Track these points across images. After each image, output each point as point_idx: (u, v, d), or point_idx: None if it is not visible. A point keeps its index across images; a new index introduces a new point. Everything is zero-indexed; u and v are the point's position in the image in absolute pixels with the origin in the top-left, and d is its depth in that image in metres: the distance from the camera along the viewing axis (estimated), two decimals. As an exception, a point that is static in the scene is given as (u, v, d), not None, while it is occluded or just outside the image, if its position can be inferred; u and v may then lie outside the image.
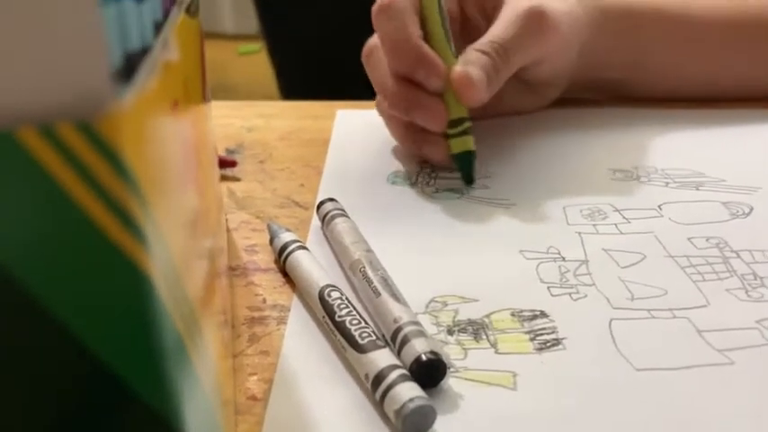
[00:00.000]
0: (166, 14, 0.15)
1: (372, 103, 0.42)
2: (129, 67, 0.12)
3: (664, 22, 0.44)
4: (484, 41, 0.37)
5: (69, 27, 0.11)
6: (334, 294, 0.27)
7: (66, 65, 0.11)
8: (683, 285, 0.30)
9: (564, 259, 0.31)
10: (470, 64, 0.36)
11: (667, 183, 0.38)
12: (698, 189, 0.37)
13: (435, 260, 0.32)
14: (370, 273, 0.28)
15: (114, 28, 0.12)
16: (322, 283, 0.28)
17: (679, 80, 0.46)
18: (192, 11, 0.18)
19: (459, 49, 0.38)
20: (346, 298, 0.27)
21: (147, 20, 0.14)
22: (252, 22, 1.95)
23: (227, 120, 0.46)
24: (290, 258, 0.30)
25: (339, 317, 0.26)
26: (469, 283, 0.30)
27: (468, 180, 0.38)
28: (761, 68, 0.46)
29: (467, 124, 0.37)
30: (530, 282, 0.30)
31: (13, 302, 0.11)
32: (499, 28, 0.38)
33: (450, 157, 0.38)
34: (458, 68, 0.36)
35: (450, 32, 0.38)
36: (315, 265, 0.29)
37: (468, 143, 0.38)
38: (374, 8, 0.37)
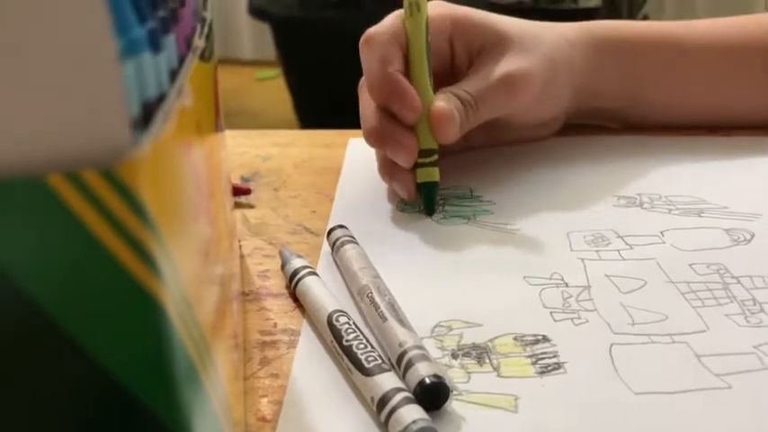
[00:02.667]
0: (182, 61, 0.17)
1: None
2: (146, 115, 0.14)
3: (661, 50, 0.45)
4: (458, 88, 0.39)
5: (92, 82, 0.12)
6: (342, 319, 0.28)
7: (90, 117, 0.12)
8: (682, 311, 0.30)
9: (567, 285, 0.32)
10: (448, 102, 0.37)
11: (670, 210, 0.39)
12: (700, 216, 0.38)
13: (441, 286, 0.33)
14: (377, 298, 0.29)
15: (133, 80, 0.13)
16: (330, 309, 0.29)
17: (678, 108, 0.47)
18: (206, 56, 0.19)
19: (443, 86, 0.39)
20: (354, 323, 0.28)
21: (163, 69, 0.15)
22: (270, 49, 1.99)
23: (243, 148, 0.48)
24: (300, 284, 0.31)
25: (347, 341, 0.27)
26: (474, 309, 0.31)
27: (429, 210, 0.39)
28: (759, 96, 0.46)
29: (435, 156, 0.39)
30: (533, 307, 0.31)
31: (41, 330, 0.13)
32: (473, 81, 0.39)
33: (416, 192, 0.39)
34: (439, 104, 0.37)
35: (431, 67, 0.39)
36: (324, 290, 0.30)
37: (434, 174, 0.39)
38: (361, 40, 0.39)
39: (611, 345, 0.28)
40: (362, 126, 0.40)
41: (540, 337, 0.29)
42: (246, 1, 1.96)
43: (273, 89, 2.56)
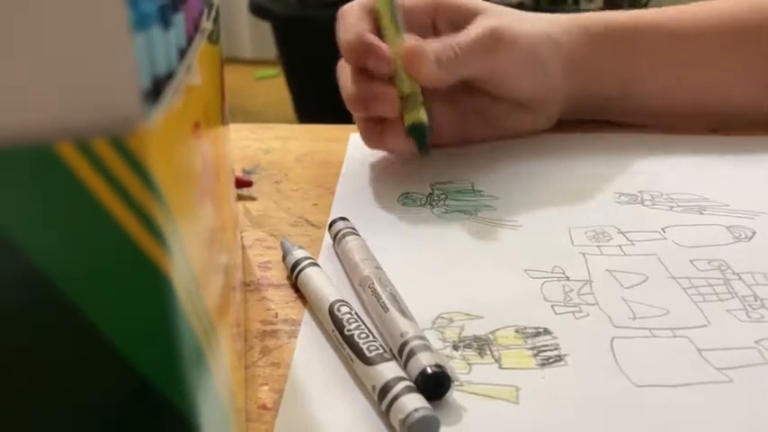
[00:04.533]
0: (190, 41, 0.17)
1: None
2: (156, 90, 0.14)
3: (654, 35, 0.46)
4: (439, 40, 0.40)
5: (104, 53, 0.12)
6: (344, 309, 0.28)
7: (102, 87, 0.12)
8: (684, 306, 0.30)
9: (568, 279, 0.32)
10: (417, 41, 0.39)
11: (672, 207, 0.39)
12: (701, 213, 0.38)
13: (443, 278, 0.33)
14: (378, 289, 0.29)
15: (144, 54, 0.13)
16: (332, 299, 0.29)
17: (673, 94, 0.47)
18: (213, 38, 0.19)
19: None
20: (355, 313, 0.28)
21: (173, 46, 0.15)
22: (270, 47, 1.99)
23: (246, 142, 0.48)
24: (301, 274, 0.31)
25: (348, 330, 0.27)
26: (475, 301, 0.31)
27: (423, 150, 0.40)
28: (755, 81, 0.46)
29: (418, 98, 0.40)
30: (534, 300, 0.31)
31: (47, 301, 0.13)
32: (455, 36, 0.41)
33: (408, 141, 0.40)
34: (410, 42, 0.39)
35: (402, 30, 0.40)
36: (325, 281, 0.30)
37: (419, 115, 0.39)
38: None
39: (613, 338, 0.28)
40: (343, 95, 0.41)
41: (542, 330, 0.29)
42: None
43: (273, 88, 2.56)
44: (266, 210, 0.39)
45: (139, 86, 0.12)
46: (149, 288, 0.13)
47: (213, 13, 0.20)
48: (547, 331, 0.29)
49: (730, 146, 0.46)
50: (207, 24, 0.19)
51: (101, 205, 0.12)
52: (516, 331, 0.29)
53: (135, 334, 0.13)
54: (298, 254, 0.32)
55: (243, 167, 0.44)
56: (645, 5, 1.59)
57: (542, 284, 0.32)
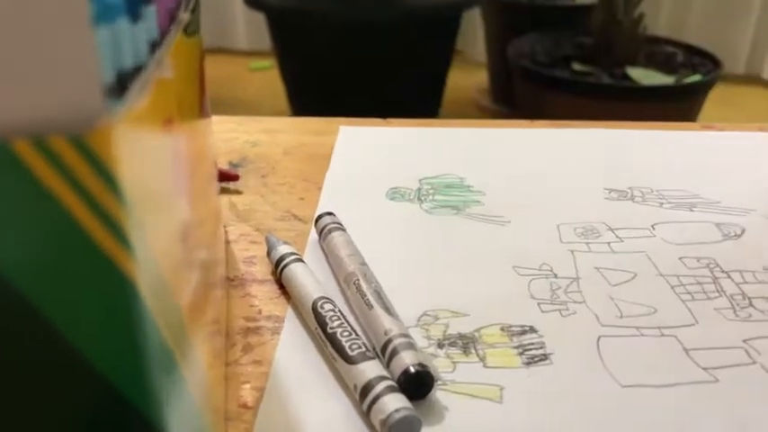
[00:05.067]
0: (164, 34, 0.16)
1: (374, 120, 0.43)
2: (121, 84, 0.13)
3: None
4: None
5: (62, 45, 0.11)
6: (327, 306, 0.28)
7: (60, 81, 0.11)
8: (672, 304, 0.30)
9: (556, 276, 0.32)
10: None
11: (662, 203, 0.38)
12: (692, 210, 0.38)
13: (429, 275, 0.32)
14: (363, 285, 0.29)
15: (107, 47, 0.13)
16: (315, 295, 0.28)
17: None
18: (190, 30, 0.18)
19: None
20: (339, 310, 0.28)
21: (142, 39, 0.15)
22: (264, 39, 1.97)
23: (233, 134, 0.47)
24: (285, 270, 0.31)
25: (331, 328, 0.27)
26: (461, 298, 0.30)
27: None
28: None
29: None
30: (521, 298, 0.30)
31: (8, 306, 0.12)
32: None
33: None
34: None
35: None
36: (310, 277, 0.30)
37: None
38: None
39: (599, 337, 0.28)
40: None
41: (528, 328, 0.29)
42: (242, -10, 1.94)
43: (268, 79, 2.54)
44: (252, 204, 0.39)
45: (101, 81, 0.12)
46: (112, 290, 0.12)
47: (191, 4, 0.20)
48: (533, 329, 0.28)
49: (723, 142, 0.45)
50: (184, 16, 0.18)
51: (60, 205, 0.12)
52: (502, 329, 0.29)
53: (97, 337, 0.13)
54: (282, 249, 0.32)
55: (230, 160, 0.43)
56: (638, 1, 1.59)
57: (530, 282, 0.32)
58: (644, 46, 1.65)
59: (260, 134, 0.47)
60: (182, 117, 0.17)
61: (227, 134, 0.47)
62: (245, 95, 2.54)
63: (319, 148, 0.45)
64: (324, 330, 0.27)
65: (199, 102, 0.20)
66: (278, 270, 0.31)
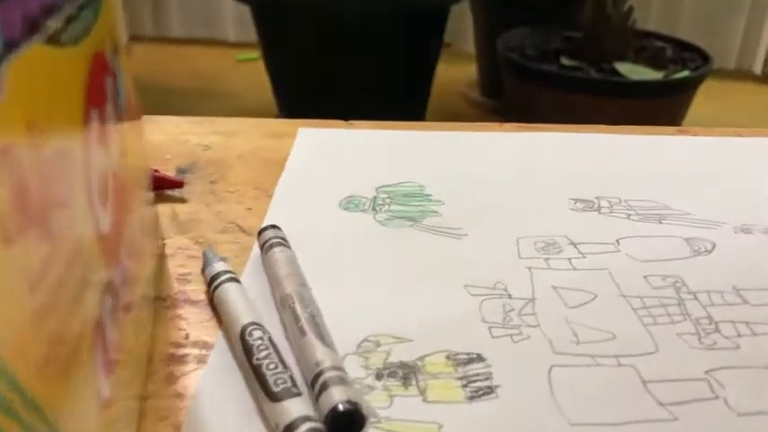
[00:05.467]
0: (9, 48, 0.14)
1: (336, 122, 0.41)
2: None
3: None
4: None
5: None
6: (256, 334, 0.25)
7: None
8: (632, 329, 0.28)
9: (510, 297, 0.30)
10: None
11: (629, 215, 0.36)
12: (661, 222, 0.35)
13: (375, 294, 0.30)
14: (298, 309, 0.27)
15: None
16: (245, 321, 0.26)
17: None
18: (63, 40, 0.16)
19: None
20: (269, 338, 0.25)
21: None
22: (252, 30, 1.94)
23: (186, 136, 0.45)
24: (218, 291, 0.28)
25: (257, 359, 0.24)
26: (407, 321, 0.28)
27: None
28: None
29: None
30: (471, 321, 0.28)
31: None
32: None
33: None
34: None
35: None
36: (242, 299, 0.28)
37: None
38: None
39: (551, 366, 0.26)
40: None
41: (475, 356, 0.26)
42: (226, -20, 1.91)
43: (255, 71, 2.51)
44: (196, 213, 0.36)
45: None
46: None
47: (72, 9, 0.17)
48: (480, 358, 0.26)
49: (697, 148, 0.43)
50: (54, 23, 0.16)
51: None
52: (447, 357, 0.26)
53: None
54: (217, 266, 0.30)
55: (178, 165, 0.41)
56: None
57: (482, 303, 0.29)
58: (633, 40, 1.63)
59: (214, 136, 0.45)
60: (35, 140, 0.15)
61: (181, 136, 0.45)
62: (232, 88, 2.51)
63: (276, 153, 0.43)
64: (250, 361, 0.25)
65: (81, 113, 0.18)
66: (210, 290, 0.29)
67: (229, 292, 0.28)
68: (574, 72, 1.54)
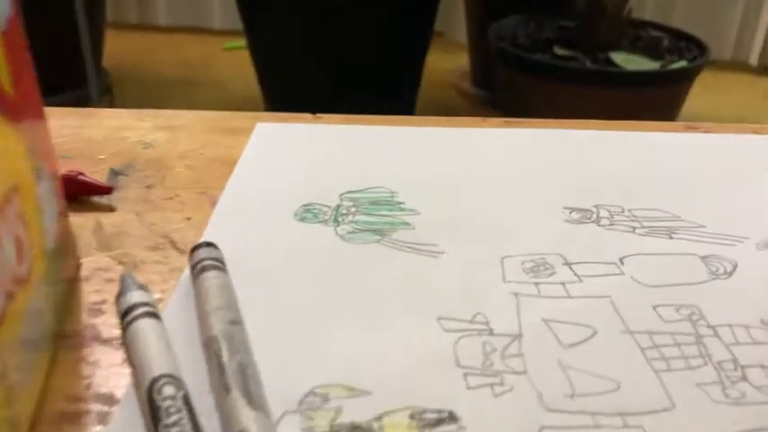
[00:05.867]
0: None
1: (302, 116, 0.35)
2: None
3: None
4: None
5: None
6: (167, 391, 0.20)
7: None
8: (641, 377, 0.23)
9: (492, 332, 0.24)
10: None
11: (634, 228, 0.31)
12: (671, 237, 0.30)
13: (329, 330, 0.25)
14: (224, 357, 0.21)
15: None
16: (156, 372, 0.21)
17: None
18: None
19: None
20: (184, 396, 0.20)
21: None
22: (239, 18, 1.88)
23: (126, 132, 0.39)
24: (129, 329, 0.23)
25: (164, 426, 0.19)
26: (364, 368, 0.23)
27: None
28: None
29: None
30: (443, 365, 0.23)
31: None
32: None
33: None
34: None
35: None
36: (157, 342, 0.22)
37: None
38: None
39: (541, 428, 0.21)
40: None
41: (446, 415, 0.21)
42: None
43: (242, 59, 2.44)
44: (124, 225, 0.31)
45: None
46: None
47: None
48: (452, 417, 0.21)
49: (710, 146, 0.38)
50: None
51: None
52: (412, 416, 0.21)
53: None
54: (133, 297, 0.24)
55: (112, 166, 0.36)
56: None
57: (457, 341, 0.24)
58: (628, 30, 1.57)
59: (158, 132, 0.39)
60: None
61: (120, 132, 0.39)
62: (219, 76, 2.44)
63: (228, 151, 0.37)
64: (155, 428, 0.19)
65: None
66: (122, 326, 0.24)
67: (142, 331, 0.23)
68: (567, 62, 1.48)
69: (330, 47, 1.59)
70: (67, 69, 1.91)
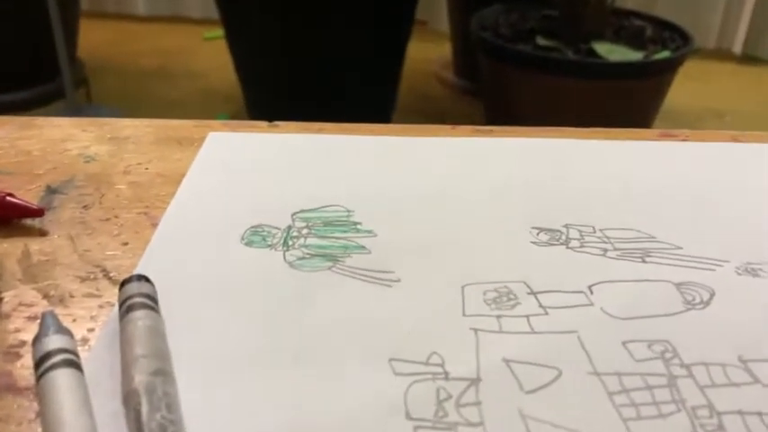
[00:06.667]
0: None
1: (257, 124, 0.33)
2: None
3: None
4: None
5: None
6: (73, 460, 0.18)
7: None
8: (608, 428, 0.21)
9: (447, 376, 0.22)
10: None
11: (605, 250, 0.29)
12: (644, 261, 0.28)
13: (268, 377, 0.22)
14: (144, 414, 0.19)
15: None
16: (63, 436, 0.18)
17: None
18: None
19: None
20: (92, 465, 0.18)
21: None
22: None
23: (66, 144, 0.37)
24: (42, 381, 0.21)
25: (66, 505, 0.17)
26: (303, 424, 0.21)
27: None
28: None
29: None
30: (390, 419, 0.21)
31: None
32: None
33: None
34: None
35: None
36: (72, 397, 0.20)
37: None
38: None
39: (496, 493, 0.19)
40: None
41: (391, 478, 0.19)
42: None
43: (222, 50, 2.40)
44: (54, 253, 0.28)
45: None
46: None
47: None
48: (397, 481, 0.19)
49: (688, 157, 0.36)
50: None
51: None
52: (352, 480, 0.19)
53: None
54: (51, 342, 0.22)
55: (49, 183, 0.33)
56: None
57: (409, 387, 0.22)
58: (612, 19, 1.55)
59: (102, 144, 0.37)
60: None
61: (60, 144, 0.37)
62: (198, 67, 2.40)
63: (176, 165, 0.35)
64: (57, 506, 0.17)
65: None
66: (36, 376, 0.21)
67: (55, 384, 0.20)
68: (550, 53, 1.46)
69: (309, 38, 1.55)
70: (40, 61, 1.87)
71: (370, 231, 0.30)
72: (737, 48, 2.17)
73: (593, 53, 1.46)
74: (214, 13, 2.33)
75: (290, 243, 0.29)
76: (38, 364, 0.21)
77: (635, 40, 1.51)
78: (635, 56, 1.46)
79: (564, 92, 1.46)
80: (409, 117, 1.84)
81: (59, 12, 1.64)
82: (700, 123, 1.77)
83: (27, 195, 0.32)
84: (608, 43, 1.49)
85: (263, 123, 0.39)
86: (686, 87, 1.74)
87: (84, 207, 0.31)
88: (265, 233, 0.30)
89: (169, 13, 2.71)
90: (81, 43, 2.12)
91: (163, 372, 0.21)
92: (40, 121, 0.39)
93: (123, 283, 0.24)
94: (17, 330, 0.24)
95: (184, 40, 2.55)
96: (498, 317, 0.25)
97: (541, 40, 1.50)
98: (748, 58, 2.17)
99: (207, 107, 2.01)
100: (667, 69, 1.47)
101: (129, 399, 0.20)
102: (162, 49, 2.47)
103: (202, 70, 2.38)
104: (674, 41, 1.53)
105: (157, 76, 2.27)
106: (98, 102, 1.95)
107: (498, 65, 1.53)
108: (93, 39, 2.33)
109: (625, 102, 1.48)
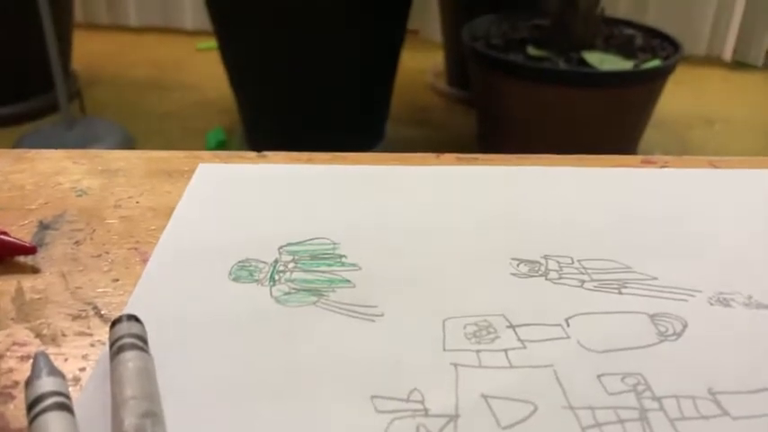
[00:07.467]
0: None
1: (247, 154, 0.34)
2: None
3: None
4: None
5: None
6: (64, 505, 0.19)
7: None
8: (580, 463, 0.22)
9: (426, 413, 0.23)
10: None
11: (583, 282, 0.30)
12: (620, 292, 0.29)
13: (250, 415, 0.23)
14: (133, 459, 0.20)
15: None
16: (55, 482, 0.19)
17: None
18: None
19: None
20: None
21: None
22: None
23: (58, 178, 0.37)
24: (34, 424, 0.21)
25: None
26: (287, 460, 0.21)
27: None
28: None
29: None
30: (371, 456, 0.22)
31: None
32: None
33: None
34: None
35: None
36: (62, 441, 0.21)
37: None
38: None
39: None
40: None
41: None
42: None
43: (215, 61, 2.41)
44: (47, 290, 0.29)
45: None
46: None
47: None
48: None
49: (666, 184, 0.37)
50: None
51: None
52: None
53: None
54: (43, 384, 0.23)
55: (42, 219, 0.34)
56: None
57: (389, 424, 0.23)
58: (602, 28, 1.57)
59: (93, 178, 0.37)
60: None
61: (52, 177, 0.37)
62: (191, 78, 2.41)
63: (167, 198, 0.36)
64: None
65: None
66: (29, 419, 0.22)
67: (47, 428, 0.21)
68: (541, 62, 1.47)
69: (301, 47, 1.56)
70: (34, 74, 1.87)
71: (354, 265, 0.31)
72: (727, 55, 2.19)
73: (583, 62, 1.47)
74: (207, 24, 2.35)
75: (277, 278, 0.30)
76: (30, 406, 0.22)
77: (625, 49, 1.53)
78: (625, 65, 1.47)
79: (555, 101, 1.47)
80: (402, 126, 1.85)
81: (53, 25, 1.65)
82: (689, 132, 1.78)
83: (20, 231, 0.32)
84: (598, 52, 1.50)
85: (252, 154, 0.40)
86: (677, 94, 1.76)
87: (76, 243, 0.32)
88: (252, 268, 0.30)
89: (162, 24, 2.72)
90: (74, 55, 2.12)
91: (152, 413, 0.22)
92: (32, 153, 0.40)
93: (114, 323, 0.25)
94: (10, 371, 0.25)
95: (178, 50, 2.56)
96: (478, 351, 0.26)
97: (532, 50, 1.52)
98: (738, 65, 2.19)
99: (201, 118, 2.02)
100: (658, 78, 1.49)
101: (119, 442, 0.21)
102: (155, 60, 2.48)
103: (196, 81, 2.38)
104: (664, 50, 1.54)
105: (151, 88, 2.27)
106: (92, 114, 1.95)
107: (490, 74, 1.54)
108: (86, 50, 2.34)
109: (616, 110, 1.50)
